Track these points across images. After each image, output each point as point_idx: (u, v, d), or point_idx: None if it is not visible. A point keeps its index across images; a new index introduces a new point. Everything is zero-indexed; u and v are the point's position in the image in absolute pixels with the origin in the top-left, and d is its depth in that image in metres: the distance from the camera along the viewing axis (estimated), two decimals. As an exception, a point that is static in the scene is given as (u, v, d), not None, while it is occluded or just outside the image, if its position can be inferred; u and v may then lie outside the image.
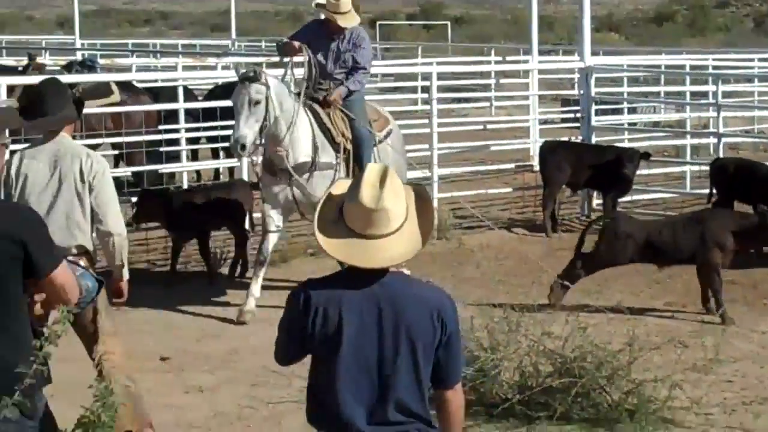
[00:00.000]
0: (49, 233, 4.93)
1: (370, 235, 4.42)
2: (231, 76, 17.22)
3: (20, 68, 16.89)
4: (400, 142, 12.74)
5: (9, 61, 22.96)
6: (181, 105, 16.02)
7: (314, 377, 4.59)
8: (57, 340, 4.45)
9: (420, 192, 4.65)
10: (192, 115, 15.99)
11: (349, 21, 11.58)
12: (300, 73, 11.87)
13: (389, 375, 4.47)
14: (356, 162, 11.52)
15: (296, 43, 11.54)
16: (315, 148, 11.38)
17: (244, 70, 11.13)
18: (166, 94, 16.54)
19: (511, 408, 7.83)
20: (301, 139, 11.31)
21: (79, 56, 21.52)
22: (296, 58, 11.79)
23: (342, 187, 4.58)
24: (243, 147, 10.93)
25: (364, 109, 11.96)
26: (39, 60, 17.94)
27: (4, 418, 4.49)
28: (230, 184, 14.19)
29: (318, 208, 4.54)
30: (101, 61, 18.24)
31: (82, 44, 28.46)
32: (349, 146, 11.63)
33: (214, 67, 21.70)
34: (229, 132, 15.79)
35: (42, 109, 7.24)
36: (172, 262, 12.40)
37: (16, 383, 4.51)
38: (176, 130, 16.14)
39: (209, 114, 15.50)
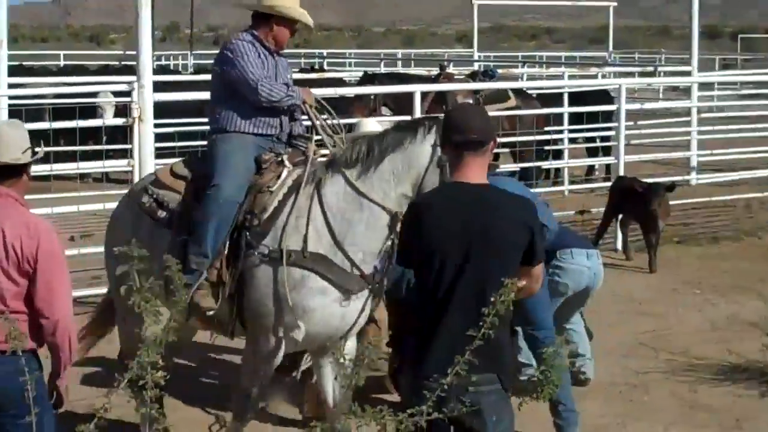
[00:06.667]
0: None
1: None
2: (610, 84, 17.25)
3: (432, 77, 17.29)
4: None
5: (420, 70, 23.55)
6: (565, 109, 16.12)
7: None
8: None
9: None
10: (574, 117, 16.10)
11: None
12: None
13: None
14: None
15: None
16: None
17: None
18: (552, 99, 16.67)
19: None
20: None
21: (476, 67, 21.78)
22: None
23: None
24: None
25: None
26: (448, 70, 18.32)
27: (497, 390, 4.44)
28: None
29: None
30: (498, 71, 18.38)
31: (479, 56, 28.66)
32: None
33: (595, 76, 21.59)
34: (601, 133, 15.91)
35: None
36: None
37: (509, 361, 4.64)
38: (560, 131, 16.24)
39: (590, 117, 15.51)
